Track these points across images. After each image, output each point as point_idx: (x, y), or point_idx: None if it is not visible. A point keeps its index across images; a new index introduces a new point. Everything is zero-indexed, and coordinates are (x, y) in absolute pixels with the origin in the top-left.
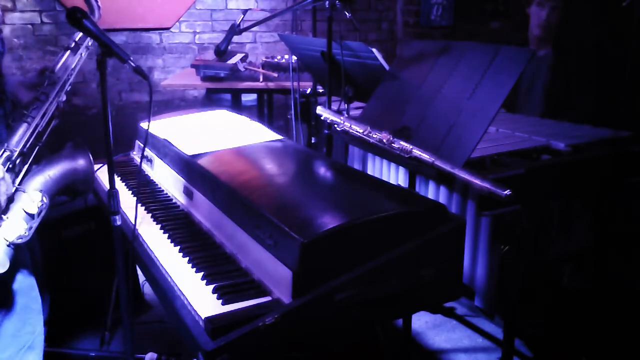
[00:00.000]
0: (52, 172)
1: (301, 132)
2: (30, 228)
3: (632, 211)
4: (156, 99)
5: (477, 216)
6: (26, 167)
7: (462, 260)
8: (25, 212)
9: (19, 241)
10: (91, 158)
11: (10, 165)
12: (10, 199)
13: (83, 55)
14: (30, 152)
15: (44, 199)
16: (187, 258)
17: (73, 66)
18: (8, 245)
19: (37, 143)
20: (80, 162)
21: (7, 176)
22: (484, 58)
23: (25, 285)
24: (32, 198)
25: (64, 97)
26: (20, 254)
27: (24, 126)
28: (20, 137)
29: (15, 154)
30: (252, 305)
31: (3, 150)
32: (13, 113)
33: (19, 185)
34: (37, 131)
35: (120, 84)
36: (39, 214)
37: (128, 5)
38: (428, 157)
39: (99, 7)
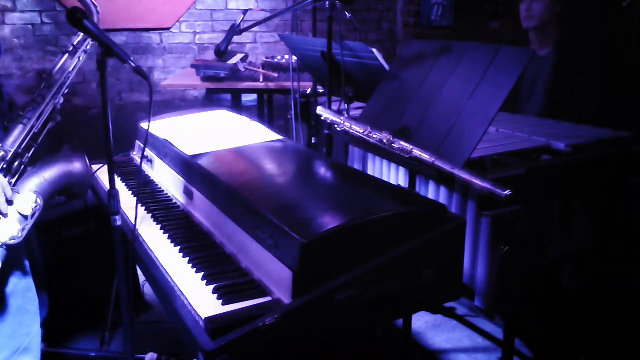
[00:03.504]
0: (47, 174)
1: (301, 132)
2: (24, 229)
3: (632, 211)
4: (156, 99)
5: (477, 216)
6: (22, 168)
7: (462, 260)
8: (19, 213)
9: (12, 242)
10: (87, 161)
11: (5, 166)
12: (9, 202)
13: (81, 58)
14: (26, 152)
15: (38, 200)
16: (187, 258)
17: (70, 69)
18: (0, 246)
19: (33, 144)
20: (77, 165)
21: (2, 178)
22: (483, 58)
23: (20, 286)
24: (26, 199)
25: (61, 100)
26: (15, 255)
27: (19, 127)
28: (15, 137)
29: (10, 154)
30: (252, 305)
31: None
32: (9, 114)
33: (13, 186)
34: (32, 132)
35: (120, 84)
36: (32, 215)
37: (128, 5)
38: (428, 157)
39: (97, 11)
